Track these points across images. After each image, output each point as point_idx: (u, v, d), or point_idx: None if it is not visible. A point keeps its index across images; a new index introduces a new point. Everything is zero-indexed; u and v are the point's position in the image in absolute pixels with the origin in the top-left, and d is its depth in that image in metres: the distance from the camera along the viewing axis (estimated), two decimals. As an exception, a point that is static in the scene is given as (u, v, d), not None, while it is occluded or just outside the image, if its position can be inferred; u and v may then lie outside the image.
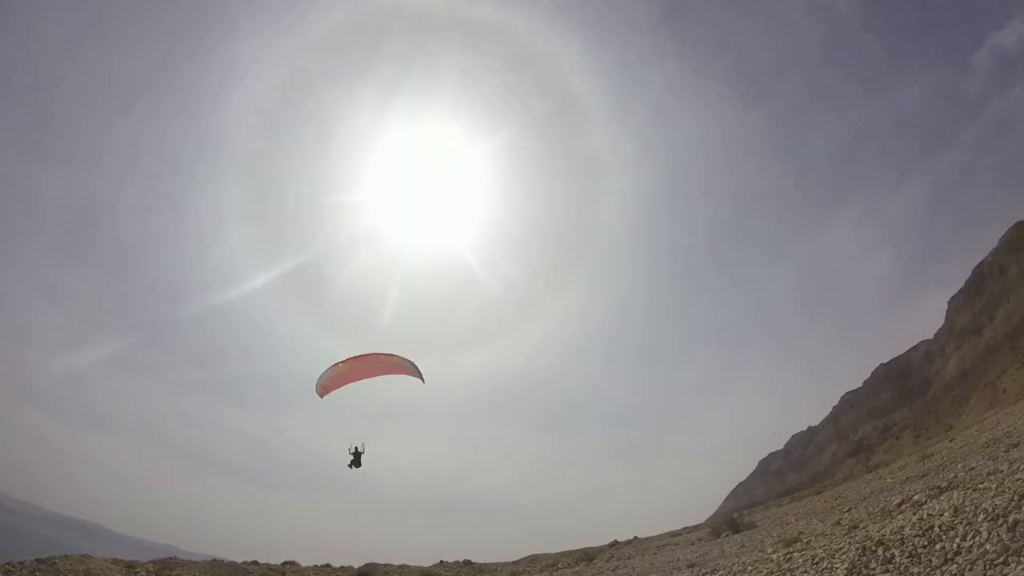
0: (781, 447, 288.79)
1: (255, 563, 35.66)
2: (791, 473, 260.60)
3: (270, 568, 33.29)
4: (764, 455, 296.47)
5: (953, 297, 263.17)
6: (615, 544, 47.11)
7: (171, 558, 34.75)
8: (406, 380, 27.24)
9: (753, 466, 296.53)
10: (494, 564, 42.93)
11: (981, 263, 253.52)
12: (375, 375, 26.56)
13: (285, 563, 37.06)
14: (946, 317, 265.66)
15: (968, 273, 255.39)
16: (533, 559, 52.48)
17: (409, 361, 26.58)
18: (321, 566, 35.99)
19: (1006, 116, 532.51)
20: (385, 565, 37.95)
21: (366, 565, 35.78)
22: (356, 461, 26.97)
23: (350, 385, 26.91)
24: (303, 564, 37.03)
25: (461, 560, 42.48)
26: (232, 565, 35.33)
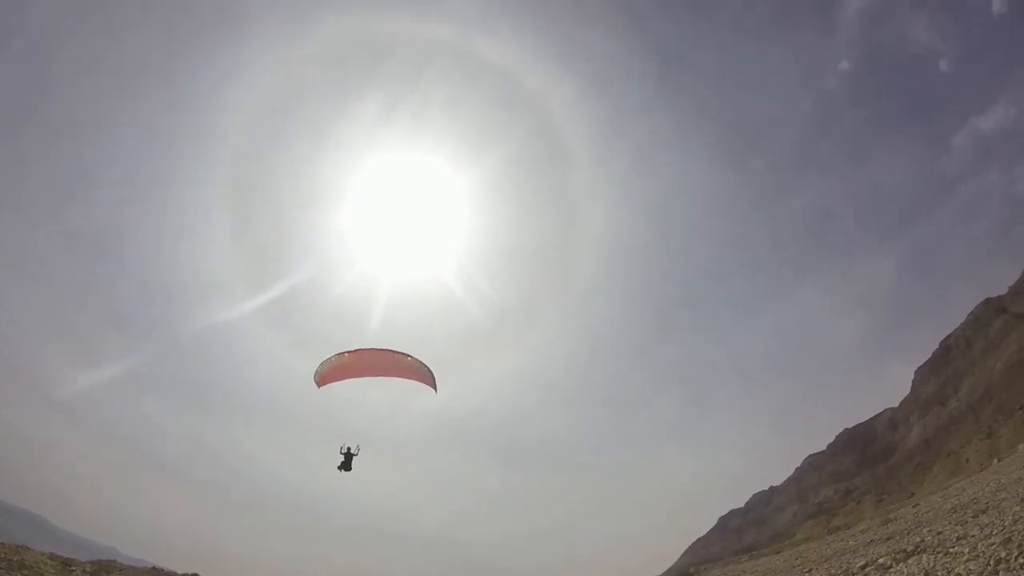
0: (741, 505, 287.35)
1: (195, 575, 34.64)
2: (750, 531, 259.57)
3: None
4: (724, 511, 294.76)
5: (920, 367, 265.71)
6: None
7: (110, 561, 33.65)
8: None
9: (712, 522, 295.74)
10: None
11: (949, 336, 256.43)
12: (384, 375, 24.22)
13: (193, 574, 35.95)
14: (912, 386, 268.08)
15: (936, 345, 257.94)
16: None
17: (427, 367, 24.27)
18: None
19: (980, 196, 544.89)
20: None
21: None
22: (347, 464, 24.90)
23: (352, 380, 24.49)
24: None
25: None
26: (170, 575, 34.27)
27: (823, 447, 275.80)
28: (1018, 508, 12.48)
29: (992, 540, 10.18)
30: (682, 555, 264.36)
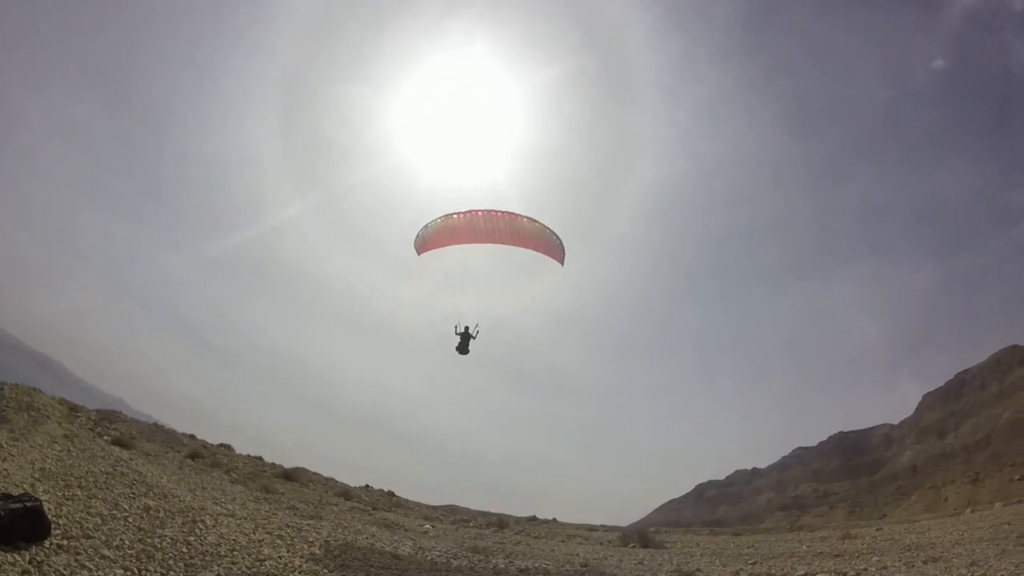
0: (722, 478, 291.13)
1: (192, 437, 35.34)
2: (724, 506, 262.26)
3: (204, 446, 32.89)
4: (704, 480, 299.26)
5: (929, 393, 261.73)
6: (532, 520, 46.72)
7: (116, 412, 34.64)
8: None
9: (691, 487, 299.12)
10: (414, 503, 42.62)
11: (966, 371, 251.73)
12: (499, 242, 20.49)
13: (221, 444, 36.87)
14: (916, 409, 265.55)
15: (951, 375, 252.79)
16: (451, 509, 52.22)
17: (555, 235, 20.64)
18: (254, 457, 35.71)
19: None
20: (313, 473, 37.66)
21: (294, 469, 35.19)
22: (463, 345, 22.11)
23: (460, 247, 20.78)
24: (237, 451, 36.79)
25: (385, 489, 42.10)
26: (170, 433, 34.99)
27: (814, 443, 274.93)
28: (964, 571, 12.30)
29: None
30: (654, 510, 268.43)
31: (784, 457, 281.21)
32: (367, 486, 41.18)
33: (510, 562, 14.48)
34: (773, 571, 15.20)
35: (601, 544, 25.20)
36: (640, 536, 26.52)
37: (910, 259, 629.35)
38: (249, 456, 35.41)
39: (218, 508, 14.64)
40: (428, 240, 20.67)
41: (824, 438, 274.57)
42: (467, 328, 21.91)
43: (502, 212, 19.81)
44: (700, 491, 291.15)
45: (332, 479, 37.98)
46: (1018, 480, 61.25)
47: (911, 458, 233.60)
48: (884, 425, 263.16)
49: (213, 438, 36.74)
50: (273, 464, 34.93)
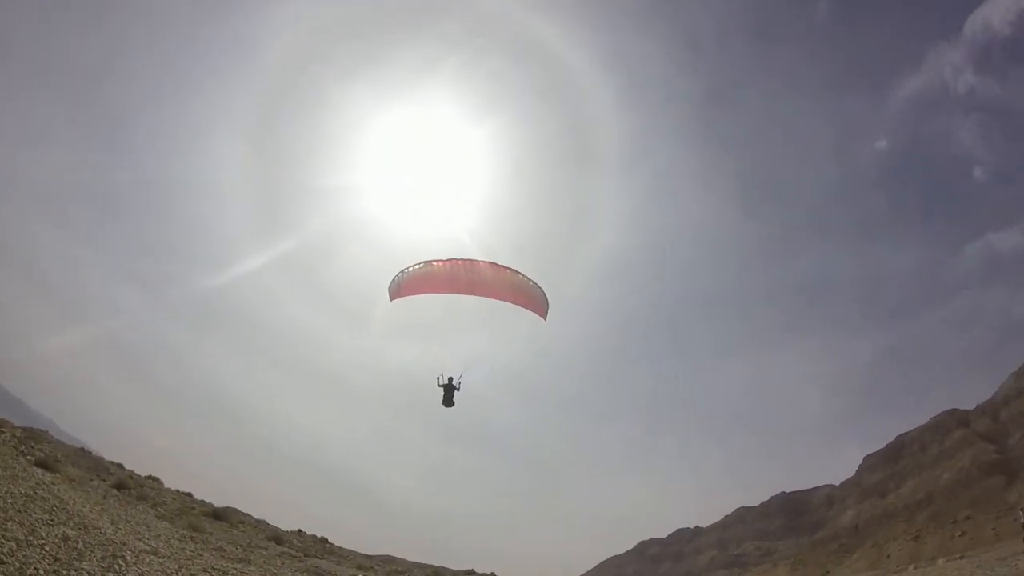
0: (664, 536, 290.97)
1: (120, 466, 33.43)
2: (666, 563, 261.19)
3: (132, 476, 30.92)
4: (647, 537, 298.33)
5: (870, 455, 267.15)
6: (470, 573, 45.05)
7: (42, 431, 32.62)
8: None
9: (633, 544, 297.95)
10: (348, 551, 40.87)
11: (905, 434, 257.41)
12: (479, 294, 19.33)
13: (149, 476, 34.73)
14: (857, 471, 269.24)
15: (891, 438, 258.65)
16: (387, 559, 50.11)
17: (538, 288, 19.68)
18: (183, 492, 33.77)
19: (977, 309, 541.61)
20: (244, 514, 35.74)
21: (225, 508, 33.12)
22: (448, 397, 21.18)
23: (433, 297, 19.70)
24: (166, 484, 34.72)
25: (319, 535, 40.19)
26: (97, 460, 32.90)
27: (756, 503, 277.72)
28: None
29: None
30: (596, 567, 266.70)
31: (726, 516, 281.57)
32: (300, 531, 39.22)
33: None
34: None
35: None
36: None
37: (854, 329, 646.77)
38: (178, 491, 33.53)
39: (140, 544, 13.55)
40: (404, 286, 19.64)
41: (767, 498, 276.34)
42: (451, 379, 21.12)
43: (485, 262, 18.92)
44: (642, 548, 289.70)
45: (264, 521, 36.11)
46: (959, 536, 61.09)
47: (853, 517, 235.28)
48: (826, 486, 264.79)
49: (142, 469, 34.64)
50: (203, 501, 33.09)
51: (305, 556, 25.64)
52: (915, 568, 43.09)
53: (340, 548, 40.08)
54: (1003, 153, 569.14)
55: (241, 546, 20.38)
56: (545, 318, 20.38)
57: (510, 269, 18.84)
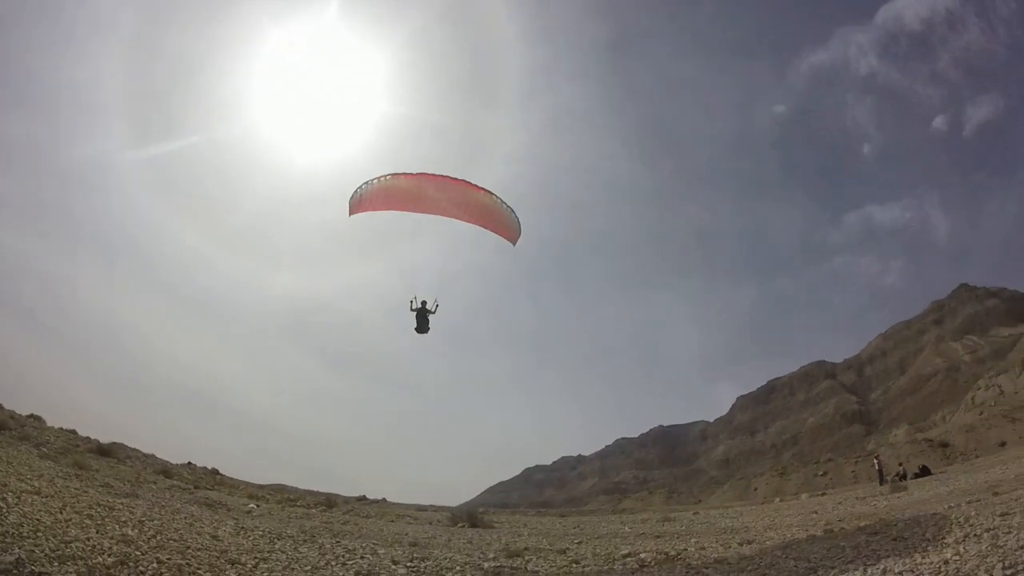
0: (549, 463, 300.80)
1: None
2: (550, 489, 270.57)
3: (12, 416, 29.39)
4: (532, 464, 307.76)
5: (743, 396, 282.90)
6: (362, 499, 45.66)
7: None
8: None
9: (519, 471, 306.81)
10: (238, 481, 40.76)
11: (777, 379, 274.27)
12: (445, 214, 17.92)
13: (30, 416, 33.27)
14: (730, 409, 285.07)
15: (763, 382, 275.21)
16: (278, 488, 50.30)
17: (511, 211, 18.20)
18: (67, 430, 32.44)
19: (849, 273, 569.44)
20: (132, 449, 35.04)
21: (111, 444, 32.19)
22: (422, 323, 19.81)
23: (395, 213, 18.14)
24: (48, 422, 33.20)
25: (209, 467, 39.89)
26: None
27: (636, 435, 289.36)
28: (779, 553, 12.56)
29: (744, 573, 10.08)
30: (483, 492, 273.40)
31: (607, 446, 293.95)
32: (189, 463, 38.73)
33: (337, 541, 13.66)
34: (598, 550, 15.12)
35: (431, 524, 24.66)
36: (469, 516, 26.16)
37: (735, 279, 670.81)
38: (62, 429, 32.01)
39: (22, 485, 12.93)
40: (365, 200, 17.85)
41: (646, 431, 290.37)
42: (424, 303, 19.95)
43: (456, 180, 17.45)
44: (528, 475, 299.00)
45: (152, 456, 35.27)
46: (821, 475, 65.59)
47: (724, 452, 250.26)
48: (701, 422, 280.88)
49: (23, 408, 33.12)
50: (88, 438, 31.57)
51: (195, 488, 25.39)
52: (780, 501, 46.33)
53: (231, 479, 39.93)
54: (892, 135, 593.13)
55: (128, 481, 19.93)
56: (515, 243, 19.20)
57: (484, 190, 17.70)
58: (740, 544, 15.26)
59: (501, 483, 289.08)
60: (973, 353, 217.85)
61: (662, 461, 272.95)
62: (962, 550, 9.56)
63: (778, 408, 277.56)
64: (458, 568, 10.97)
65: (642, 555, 13.47)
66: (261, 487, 41.31)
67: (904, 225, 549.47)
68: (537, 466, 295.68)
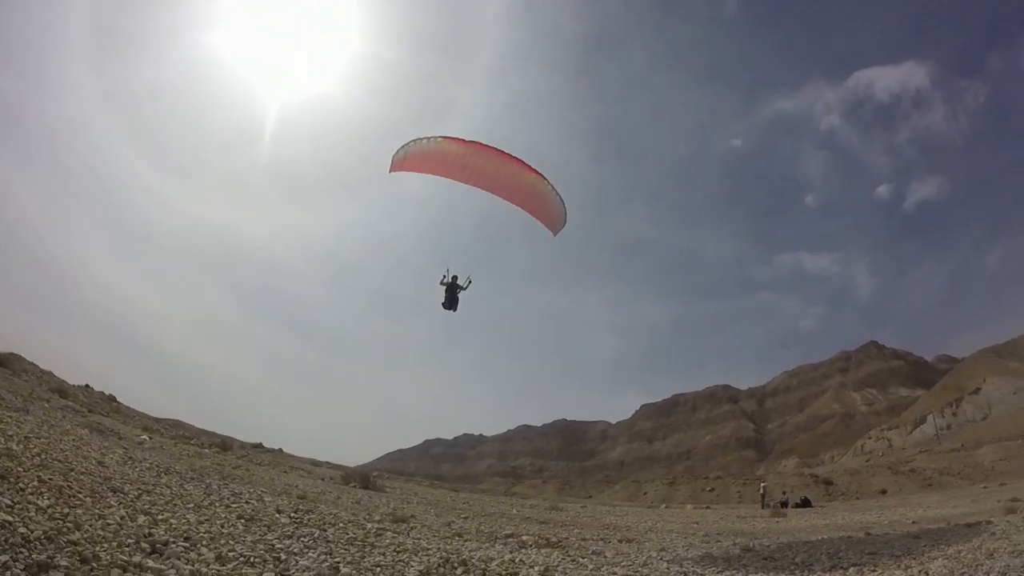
0: (450, 438, 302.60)
1: None
2: (447, 463, 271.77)
3: None
4: (433, 437, 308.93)
5: (647, 404, 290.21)
6: (258, 447, 44.98)
7: None
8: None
9: (419, 441, 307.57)
10: (135, 411, 39.64)
11: (682, 394, 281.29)
12: (490, 189, 16.77)
13: None
14: (633, 415, 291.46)
15: (669, 395, 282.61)
16: (174, 424, 49.25)
17: (559, 197, 17.05)
18: None
19: (770, 311, 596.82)
20: (29, 363, 33.74)
21: (8, 354, 30.72)
22: (452, 300, 18.72)
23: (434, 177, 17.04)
24: None
25: (107, 393, 38.65)
26: None
27: (539, 424, 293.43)
28: (654, 554, 12.72)
29: (616, 570, 10.14)
30: (381, 456, 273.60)
31: (510, 430, 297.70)
32: (87, 386, 37.49)
33: (224, 484, 13.28)
34: (483, 527, 15.12)
35: (323, 480, 24.31)
36: (362, 477, 25.96)
37: (661, 293, 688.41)
38: None
39: None
40: (409, 158, 16.80)
41: (549, 421, 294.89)
42: (455, 278, 18.75)
43: (509, 156, 16.28)
44: (427, 446, 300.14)
45: (50, 373, 34.21)
46: (709, 491, 67.16)
47: (621, 454, 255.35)
48: (603, 422, 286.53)
49: None
50: None
51: (89, 412, 24.50)
52: (666, 507, 47.31)
53: (128, 408, 38.91)
54: (836, 192, 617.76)
55: (21, 395, 19.10)
56: (556, 233, 18.00)
57: (536, 172, 16.54)
58: (620, 541, 15.46)
59: (400, 451, 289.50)
60: (870, 405, 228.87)
61: (560, 453, 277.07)
62: (826, 578, 9.83)
63: (679, 422, 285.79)
64: (341, 525, 10.77)
65: (524, 537, 13.52)
66: (157, 420, 40.36)
67: (830, 276, 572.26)
68: (438, 439, 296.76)
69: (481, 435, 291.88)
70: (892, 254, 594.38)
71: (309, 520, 10.66)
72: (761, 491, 51.04)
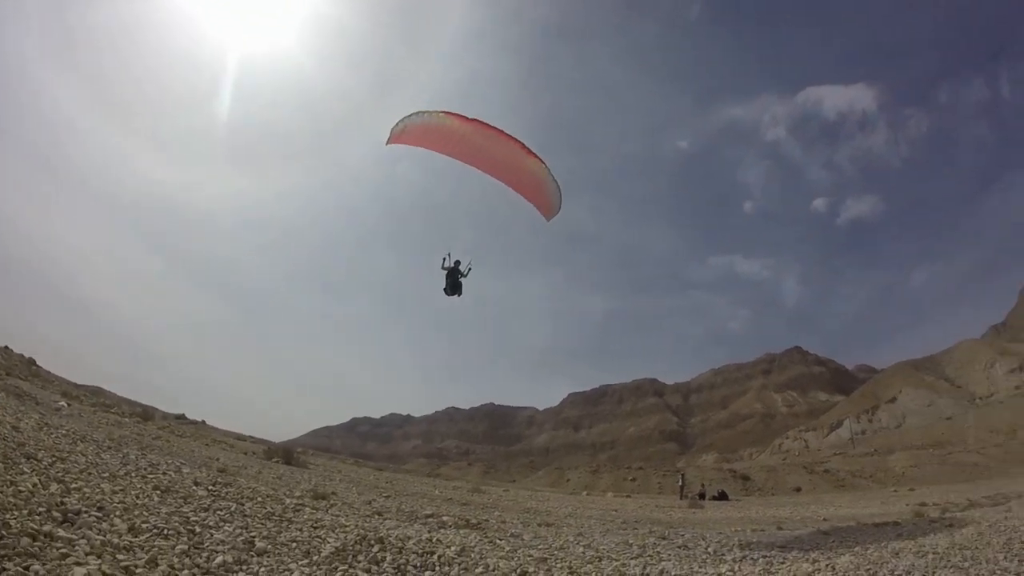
0: (377, 417, 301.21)
1: None
2: (374, 442, 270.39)
3: None
4: (360, 415, 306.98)
5: (574, 393, 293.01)
6: (181, 418, 43.92)
7: None
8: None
9: (347, 419, 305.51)
10: (55, 376, 38.43)
11: (609, 385, 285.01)
12: (487, 170, 16.39)
13: None
14: (560, 403, 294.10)
15: (597, 385, 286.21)
16: (95, 391, 47.80)
17: (554, 183, 16.64)
18: None
19: (701, 309, 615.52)
20: None
21: None
22: (454, 285, 18.07)
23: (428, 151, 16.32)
24: None
25: (27, 356, 37.25)
26: None
27: (466, 407, 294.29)
28: (571, 539, 12.80)
29: (532, 552, 10.17)
30: (307, 433, 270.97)
31: (437, 411, 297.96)
32: (6, 348, 36.13)
33: (143, 454, 12.84)
34: (404, 507, 15.03)
35: (245, 454, 23.87)
36: (285, 453, 25.56)
37: (597, 285, 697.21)
38: None
39: None
40: (408, 132, 16.16)
41: (477, 405, 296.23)
42: (457, 263, 18.04)
43: (510, 138, 15.72)
44: (354, 424, 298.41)
45: None
46: (630, 480, 68.31)
47: (547, 440, 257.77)
48: (530, 408, 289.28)
49: None
50: None
51: (7, 375, 23.63)
52: (587, 494, 47.87)
53: (48, 372, 37.81)
54: (775, 202, 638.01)
55: None
56: (549, 219, 17.65)
57: (537, 157, 16.07)
58: (539, 524, 15.54)
59: (326, 427, 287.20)
60: (790, 407, 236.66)
61: (486, 437, 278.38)
62: (737, 568, 10.02)
63: (605, 412, 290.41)
64: (259, 499, 10.53)
65: (444, 518, 13.47)
66: (77, 387, 39.20)
67: (761, 281, 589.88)
68: (365, 418, 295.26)
69: (409, 415, 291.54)
70: (822, 265, 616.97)
71: (227, 493, 10.40)
72: (680, 482, 52.01)
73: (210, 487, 10.59)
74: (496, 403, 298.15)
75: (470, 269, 18.15)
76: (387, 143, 16.64)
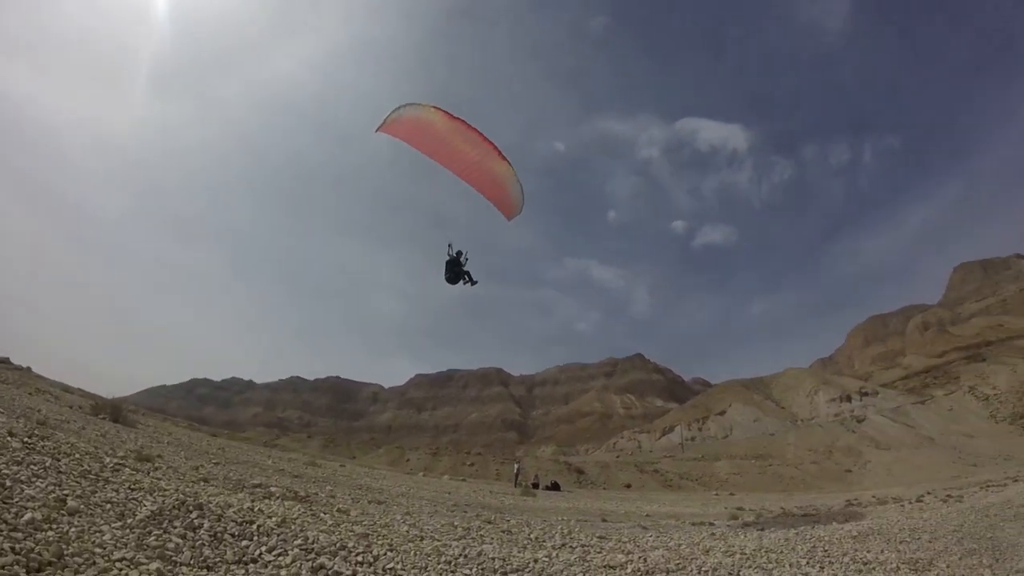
0: (217, 380, 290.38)
1: None
2: (212, 406, 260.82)
3: None
4: (200, 376, 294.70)
5: (421, 375, 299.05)
6: (4, 362, 40.82)
7: None
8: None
9: (186, 379, 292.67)
10: None
11: (456, 370, 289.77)
12: (455, 170, 16.50)
13: None
14: (406, 382, 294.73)
15: (444, 368, 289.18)
16: None
17: (518, 185, 17.02)
18: None
19: (551, 308, 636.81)
20: None
21: None
22: (455, 275, 18.31)
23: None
24: None
25: None
26: None
27: (311, 378, 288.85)
28: (399, 518, 12.82)
29: (354, 528, 10.10)
30: (142, 391, 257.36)
31: (281, 380, 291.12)
32: None
33: (-46, 400, 11.85)
34: (231, 475, 14.60)
35: (70, 407, 22.31)
36: (113, 409, 24.08)
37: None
38: None
39: None
40: (399, 123, 16.16)
41: (322, 376, 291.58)
42: (459, 253, 18.47)
43: (486, 140, 15.96)
44: (193, 386, 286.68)
45: None
46: (469, 465, 69.12)
47: (390, 419, 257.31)
48: (376, 385, 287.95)
49: None
50: None
51: None
52: (424, 475, 48.01)
53: None
54: (637, 216, 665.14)
55: None
56: (510, 219, 18.28)
57: (507, 161, 16.41)
58: (370, 502, 15.45)
59: (164, 387, 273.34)
60: (628, 409, 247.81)
61: (329, 410, 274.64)
62: (554, 555, 10.31)
63: (450, 396, 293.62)
64: (77, 456, 9.93)
65: (272, 488, 13.18)
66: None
67: (613, 288, 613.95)
68: (205, 379, 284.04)
69: (251, 381, 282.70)
70: (673, 282, 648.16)
71: (43, 447, 9.73)
72: (516, 470, 53.06)
73: (26, 439, 9.90)
74: (342, 376, 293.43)
75: (466, 260, 18.68)
76: (376, 131, 16.63)
